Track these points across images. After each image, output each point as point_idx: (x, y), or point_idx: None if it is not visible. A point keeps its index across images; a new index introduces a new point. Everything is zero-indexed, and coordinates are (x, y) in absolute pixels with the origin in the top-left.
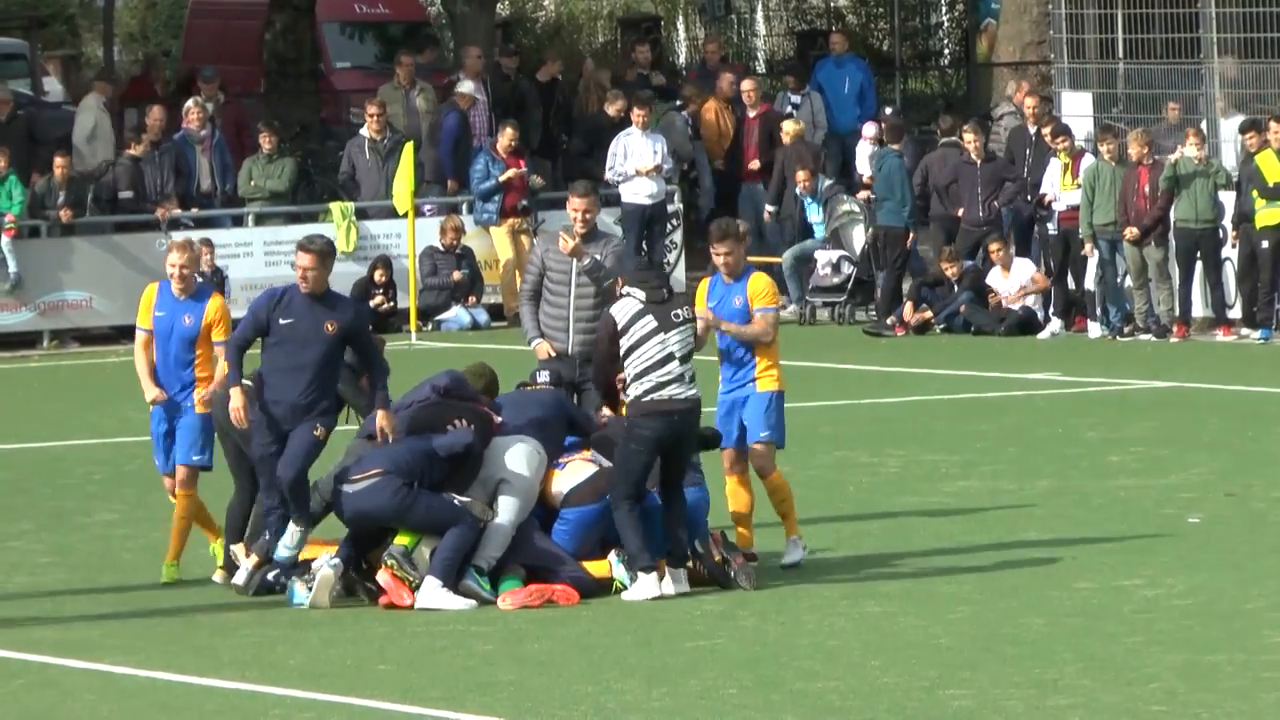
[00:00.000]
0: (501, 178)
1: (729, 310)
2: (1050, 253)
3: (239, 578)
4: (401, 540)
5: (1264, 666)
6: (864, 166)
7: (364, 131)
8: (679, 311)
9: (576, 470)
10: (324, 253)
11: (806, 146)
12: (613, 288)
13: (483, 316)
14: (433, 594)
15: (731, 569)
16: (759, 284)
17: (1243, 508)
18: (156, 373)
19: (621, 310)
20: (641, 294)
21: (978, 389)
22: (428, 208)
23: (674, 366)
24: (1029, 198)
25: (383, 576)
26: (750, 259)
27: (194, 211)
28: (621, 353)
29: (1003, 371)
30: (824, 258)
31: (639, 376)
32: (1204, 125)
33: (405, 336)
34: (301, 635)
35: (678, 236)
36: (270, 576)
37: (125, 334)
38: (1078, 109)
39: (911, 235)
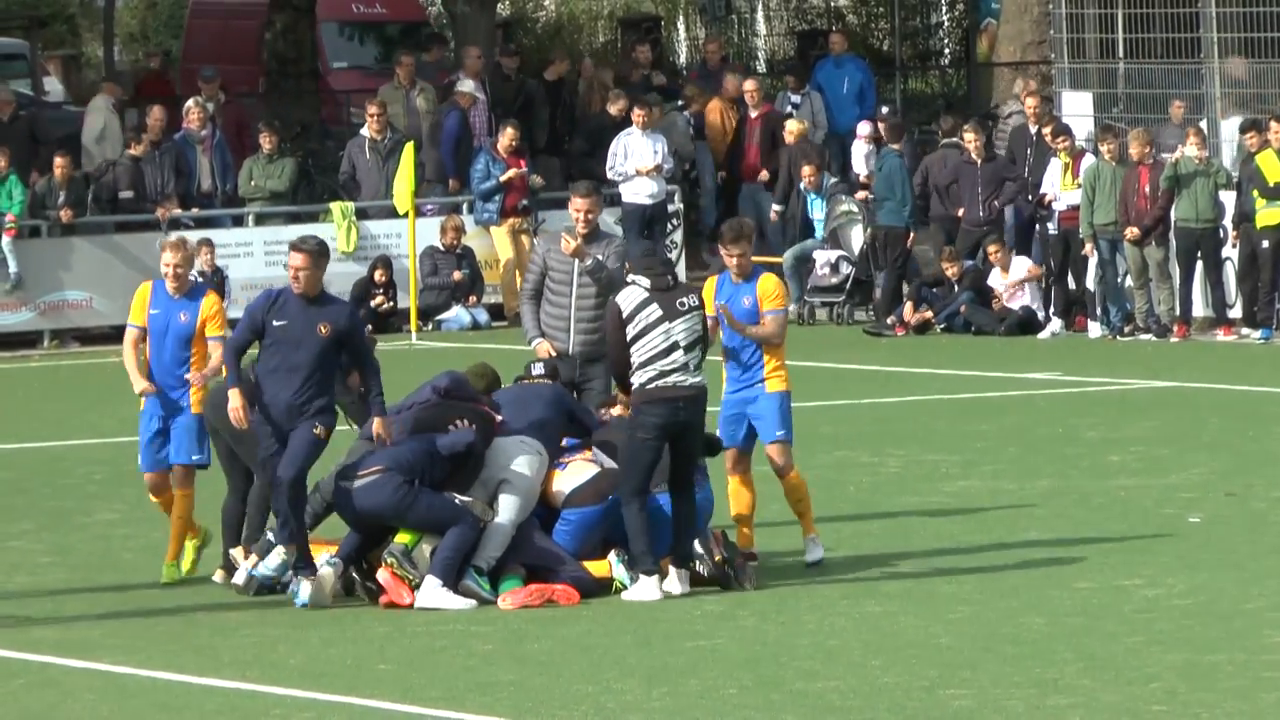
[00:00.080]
0: (502, 178)
1: (738, 310)
2: (1051, 253)
3: (239, 578)
4: (401, 539)
5: (1264, 666)
6: (860, 166)
7: (364, 131)
8: (684, 299)
9: (578, 471)
10: (316, 253)
11: (811, 145)
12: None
13: (483, 316)
14: (433, 593)
15: (732, 569)
16: (768, 285)
17: (1243, 508)
18: (151, 371)
19: (626, 298)
20: (646, 281)
21: (978, 389)
22: (428, 207)
23: (679, 355)
24: (1029, 197)
25: (383, 575)
26: (752, 259)
27: (194, 211)
28: (627, 340)
29: (1003, 371)
30: (822, 258)
31: (644, 365)
32: (1204, 125)
33: (405, 336)
34: (301, 635)
35: (678, 236)
36: (257, 572)
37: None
38: (1078, 109)
39: (911, 235)
